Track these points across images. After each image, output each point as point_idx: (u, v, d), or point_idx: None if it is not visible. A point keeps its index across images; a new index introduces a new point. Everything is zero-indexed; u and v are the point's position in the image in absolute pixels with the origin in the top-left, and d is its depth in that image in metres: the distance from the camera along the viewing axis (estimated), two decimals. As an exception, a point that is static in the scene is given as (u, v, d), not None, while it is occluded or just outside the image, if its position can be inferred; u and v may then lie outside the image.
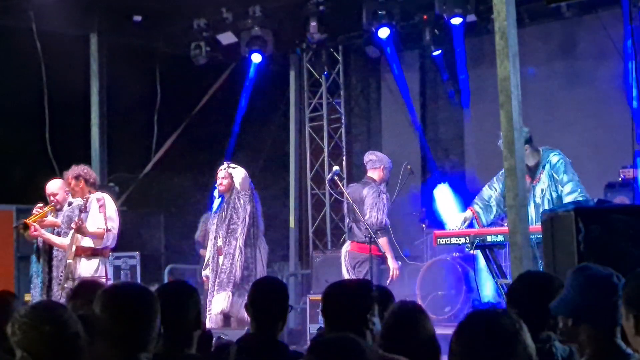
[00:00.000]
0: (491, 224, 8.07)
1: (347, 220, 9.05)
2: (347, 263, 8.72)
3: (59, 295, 7.85)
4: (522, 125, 6.88)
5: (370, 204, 8.57)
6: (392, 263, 8.41)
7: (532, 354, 2.50)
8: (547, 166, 7.50)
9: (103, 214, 8.11)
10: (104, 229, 8.03)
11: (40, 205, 8.24)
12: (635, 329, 2.90)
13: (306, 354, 2.59)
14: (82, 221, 7.94)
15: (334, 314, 3.72)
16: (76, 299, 4.78)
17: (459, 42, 10.72)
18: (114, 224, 8.17)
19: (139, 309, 3.09)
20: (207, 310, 8.59)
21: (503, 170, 7.89)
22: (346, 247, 8.81)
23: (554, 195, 7.65)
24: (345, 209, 9.21)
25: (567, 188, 7.46)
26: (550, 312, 3.41)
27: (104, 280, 7.83)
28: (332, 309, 3.74)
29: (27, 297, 8.50)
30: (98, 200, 8.19)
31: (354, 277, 8.35)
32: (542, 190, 7.53)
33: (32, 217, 8.11)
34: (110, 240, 8.16)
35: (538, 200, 7.45)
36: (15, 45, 10.53)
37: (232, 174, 8.73)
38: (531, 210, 7.42)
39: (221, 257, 8.72)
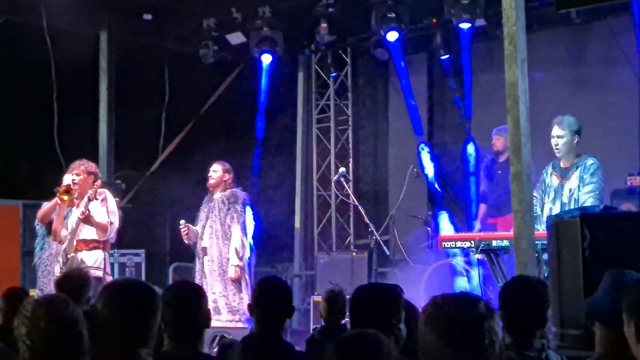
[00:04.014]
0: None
1: None
2: None
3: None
4: (529, 130, 6.87)
5: None
6: None
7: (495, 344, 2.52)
8: (581, 168, 7.47)
9: (105, 207, 8.15)
10: (108, 221, 8.07)
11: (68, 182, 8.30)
12: (636, 337, 2.90)
13: (330, 348, 2.60)
14: (89, 211, 7.98)
15: (361, 316, 3.67)
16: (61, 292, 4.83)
17: (467, 47, 10.71)
18: (116, 218, 8.20)
19: (140, 305, 3.12)
20: None
21: (541, 179, 7.79)
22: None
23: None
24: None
25: (587, 188, 7.41)
26: (584, 311, 3.43)
27: (101, 273, 7.89)
28: (359, 311, 3.70)
29: (32, 292, 8.54)
30: (99, 194, 8.24)
31: None
32: (570, 189, 7.47)
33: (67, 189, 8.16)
34: (113, 233, 8.20)
35: (565, 199, 7.41)
36: (26, 42, 10.57)
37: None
38: (556, 208, 7.38)
39: (206, 258, 8.77)
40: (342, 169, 10.02)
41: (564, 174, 7.51)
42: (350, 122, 13.16)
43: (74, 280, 5.23)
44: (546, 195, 7.52)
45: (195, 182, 12.06)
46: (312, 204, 13.20)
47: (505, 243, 7.50)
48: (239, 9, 11.12)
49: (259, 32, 11.16)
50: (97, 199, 8.04)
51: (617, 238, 5.24)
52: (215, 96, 12.85)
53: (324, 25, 11.06)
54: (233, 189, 8.86)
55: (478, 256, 8.06)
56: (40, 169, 10.82)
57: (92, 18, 10.73)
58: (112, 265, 9.43)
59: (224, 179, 8.86)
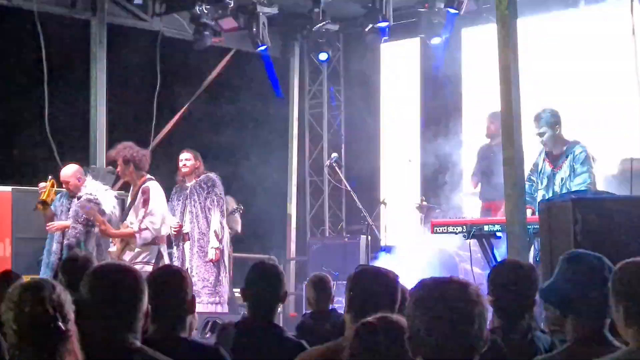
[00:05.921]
0: None
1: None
2: None
3: None
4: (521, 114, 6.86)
5: None
6: None
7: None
8: (571, 157, 7.49)
9: (144, 210, 7.90)
10: (138, 229, 7.85)
11: (41, 185, 8.16)
12: (625, 321, 2.89)
13: (354, 334, 2.58)
14: (104, 223, 7.76)
15: (359, 296, 3.61)
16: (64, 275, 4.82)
17: (458, 31, 10.70)
18: (154, 219, 7.92)
19: (126, 289, 3.08)
20: None
21: (534, 162, 7.81)
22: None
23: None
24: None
25: (578, 179, 7.43)
26: (540, 296, 3.43)
27: (150, 268, 7.54)
28: (359, 291, 3.63)
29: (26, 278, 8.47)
30: (143, 192, 8.01)
31: None
32: (562, 179, 7.51)
33: (43, 195, 8.00)
34: (150, 237, 7.91)
35: (557, 189, 7.44)
36: (16, 27, 10.51)
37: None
38: (548, 196, 7.39)
39: (187, 243, 8.77)
40: (334, 154, 10.02)
41: (555, 162, 7.53)
42: (342, 108, 13.14)
43: (77, 265, 5.19)
44: (539, 181, 7.54)
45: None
46: (305, 189, 13.19)
47: (497, 227, 7.50)
48: (231, -7, 11.05)
49: (251, 17, 11.11)
50: (96, 204, 7.85)
51: (608, 222, 5.25)
52: (207, 81, 12.79)
53: (317, 10, 11.03)
54: (207, 174, 8.88)
55: (470, 241, 8.06)
56: (31, 154, 10.78)
57: (83, 3, 10.67)
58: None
59: (196, 166, 8.89)
